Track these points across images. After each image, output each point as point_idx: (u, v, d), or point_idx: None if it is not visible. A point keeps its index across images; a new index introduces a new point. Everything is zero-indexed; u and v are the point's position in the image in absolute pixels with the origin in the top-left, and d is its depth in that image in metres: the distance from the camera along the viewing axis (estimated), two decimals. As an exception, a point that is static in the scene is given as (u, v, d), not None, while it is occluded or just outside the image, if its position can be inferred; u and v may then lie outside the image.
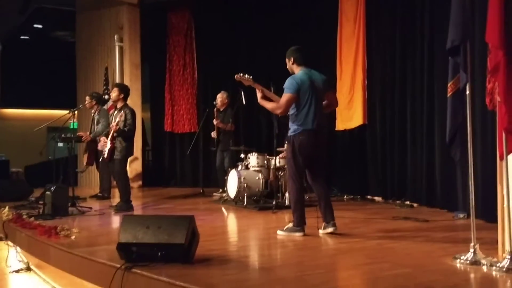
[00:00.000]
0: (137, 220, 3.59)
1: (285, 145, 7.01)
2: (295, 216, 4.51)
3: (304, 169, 4.53)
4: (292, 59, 4.59)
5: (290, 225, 4.56)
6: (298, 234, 4.45)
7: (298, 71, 4.55)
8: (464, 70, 3.43)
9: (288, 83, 4.44)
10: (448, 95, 3.57)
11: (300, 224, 4.48)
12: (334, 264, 3.64)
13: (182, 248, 3.38)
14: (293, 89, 4.39)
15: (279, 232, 4.59)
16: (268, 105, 4.63)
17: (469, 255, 3.36)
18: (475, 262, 3.30)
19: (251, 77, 4.83)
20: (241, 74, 4.85)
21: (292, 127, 4.49)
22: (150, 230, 3.45)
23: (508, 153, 3.15)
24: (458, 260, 3.38)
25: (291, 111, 4.49)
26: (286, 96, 4.42)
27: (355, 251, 3.90)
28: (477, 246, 3.36)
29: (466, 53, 3.44)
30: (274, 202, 6.26)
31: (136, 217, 3.84)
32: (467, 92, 3.44)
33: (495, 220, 4.27)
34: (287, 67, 4.66)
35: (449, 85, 3.58)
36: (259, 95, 4.69)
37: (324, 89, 4.58)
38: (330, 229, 4.47)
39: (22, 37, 15.00)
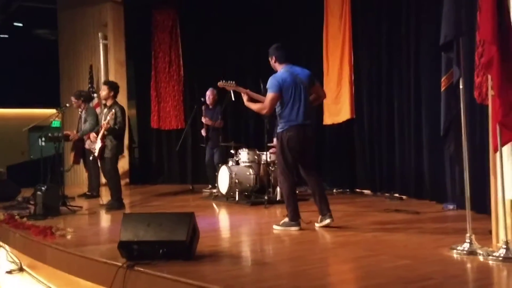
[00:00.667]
0: (137, 218, 3.59)
1: (274, 141, 7.09)
2: (289, 210, 4.58)
3: (294, 164, 4.62)
4: (274, 57, 4.68)
5: (286, 219, 4.61)
6: (294, 228, 4.51)
7: (280, 68, 4.64)
8: (457, 65, 3.51)
9: (270, 83, 4.55)
10: (442, 89, 3.65)
11: (295, 218, 4.55)
12: (333, 257, 3.69)
13: (183, 245, 3.40)
14: (275, 88, 4.49)
15: (275, 227, 4.64)
16: (254, 107, 4.76)
17: (466, 246, 3.45)
18: (472, 252, 3.39)
19: (233, 82, 4.92)
20: (223, 81, 4.96)
21: (280, 124, 4.60)
22: (151, 228, 3.46)
23: (502, 145, 3.25)
24: (455, 251, 3.46)
25: (277, 109, 4.59)
26: (269, 96, 4.53)
27: (352, 244, 3.97)
28: (473, 237, 3.46)
29: (459, 48, 3.52)
30: (265, 197, 6.30)
31: (137, 215, 3.82)
32: (461, 87, 3.52)
33: (484, 211, 4.43)
34: (271, 65, 4.75)
35: (442, 80, 3.66)
36: (244, 98, 4.81)
37: (309, 84, 4.66)
38: (327, 221, 4.53)
39: (1, 36, 14.69)
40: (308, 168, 4.65)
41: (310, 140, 4.66)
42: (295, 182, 4.80)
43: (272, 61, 4.70)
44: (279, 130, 4.60)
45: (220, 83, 5.01)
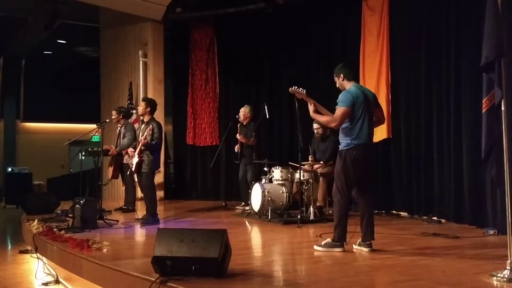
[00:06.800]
0: (171, 233, 3.61)
1: (309, 159, 7.04)
2: (337, 230, 4.44)
3: (355, 183, 4.48)
4: (341, 75, 4.59)
5: (329, 240, 4.50)
6: (337, 250, 4.40)
7: (349, 86, 4.55)
8: (499, 86, 3.42)
9: (343, 97, 4.43)
10: (483, 111, 3.55)
11: (341, 239, 4.43)
12: (368, 281, 3.59)
13: (215, 262, 3.39)
14: (349, 103, 4.38)
15: (316, 247, 4.52)
16: (322, 119, 4.64)
17: (506, 272, 3.32)
18: (512, 280, 3.26)
19: (304, 90, 4.76)
20: (295, 87, 4.80)
21: (345, 141, 4.45)
22: (184, 244, 3.47)
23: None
24: (495, 278, 3.33)
25: (344, 125, 4.46)
26: (341, 109, 4.40)
27: (388, 268, 3.87)
28: (514, 263, 3.32)
29: (501, 69, 3.43)
30: (299, 216, 6.24)
31: (171, 230, 3.85)
32: (503, 108, 3.42)
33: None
34: (337, 85, 4.65)
35: (483, 101, 3.56)
36: (311, 108, 4.64)
37: (374, 105, 4.61)
38: (365, 250, 4.43)
39: (45, 52, 15.31)
40: (363, 189, 4.52)
41: (372, 161, 4.59)
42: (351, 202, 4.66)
43: (339, 79, 4.60)
44: (343, 147, 4.46)
45: (292, 89, 4.83)
